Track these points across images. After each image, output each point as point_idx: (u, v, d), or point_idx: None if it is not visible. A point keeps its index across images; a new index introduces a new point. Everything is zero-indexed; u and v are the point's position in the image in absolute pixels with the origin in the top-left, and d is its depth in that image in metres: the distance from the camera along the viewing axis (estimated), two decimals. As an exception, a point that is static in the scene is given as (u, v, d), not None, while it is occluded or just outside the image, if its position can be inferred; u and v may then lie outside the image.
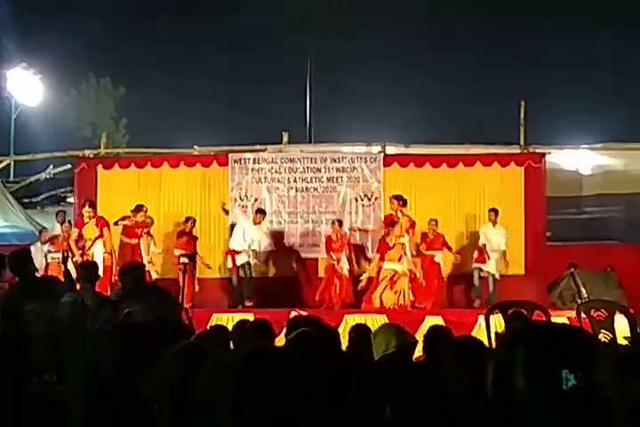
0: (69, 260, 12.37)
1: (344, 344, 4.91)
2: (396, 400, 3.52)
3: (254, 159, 14.72)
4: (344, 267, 13.39)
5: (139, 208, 13.31)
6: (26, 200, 18.58)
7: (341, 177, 14.58)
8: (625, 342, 8.03)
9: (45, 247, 14.22)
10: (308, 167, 14.63)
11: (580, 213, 16.98)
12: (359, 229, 14.38)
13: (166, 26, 41.65)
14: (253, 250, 13.58)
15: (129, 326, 4.34)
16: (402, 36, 37.62)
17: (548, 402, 1.86)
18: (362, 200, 14.49)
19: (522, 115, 15.42)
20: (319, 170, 14.62)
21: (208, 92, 39.52)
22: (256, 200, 14.47)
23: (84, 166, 15.01)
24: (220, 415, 2.41)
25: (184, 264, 11.68)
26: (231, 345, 5.15)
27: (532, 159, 14.57)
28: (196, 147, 16.32)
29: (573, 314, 9.60)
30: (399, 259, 12.74)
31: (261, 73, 39.63)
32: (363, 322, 8.22)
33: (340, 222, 13.69)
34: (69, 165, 17.03)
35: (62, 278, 9.36)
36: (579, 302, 12.04)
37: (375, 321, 10.51)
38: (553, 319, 8.71)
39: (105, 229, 13.03)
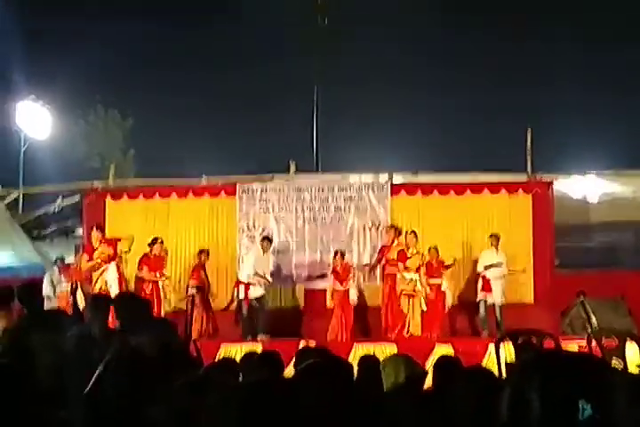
0: (78, 291, 12.37)
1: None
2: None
3: (262, 189, 14.75)
4: (353, 298, 13.38)
5: (154, 241, 13.34)
6: (35, 232, 18.64)
7: (349, 206, 14.58)
8: (637, 370, 7.96)
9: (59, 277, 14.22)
10: (315, 197, 14.64)
11: (588, 240, 16.94)
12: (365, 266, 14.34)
13: (173, 58, 42.02)
14: (265, 281, 13.54)
15: (135, 358, 4.32)
16: (410, 63, 37.83)
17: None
18: (369, 229, 14.48)
19: (528, 142, 15.45)
20: (326, 199, 14.62)
21: (215, 121, 39.75)
22: (264, 230, 14.46)
23: (93, 198, 15.08)
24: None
25: (192, 296, 11.67)
26: (240, 377, 5.12)
27: (539, 187, 14.57)
28: (203, 177, 16.39)
29: (584, 342, 9.53)
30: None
31: (267, 101, 39.83)
32: (371, 352, 8.20)
33: (342, 254, 13.64)
34: (78, 197, 17.11)
35: (71, 310, 9.39)
36: (589, 330, 11.97)
37: (384, 351, 10.46)
38: (564, 348, 8.65)
39: (117, 250, 13.02)
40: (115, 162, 20.82)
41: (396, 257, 13.25)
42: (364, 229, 14.48)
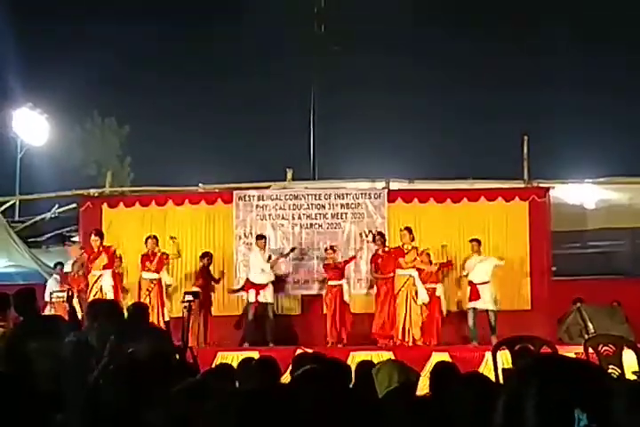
0: (74, 298, 12.32)
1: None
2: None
3: (259, 196, 14.76)
4: (345, 294, 13.41)
5: (147, 239, 13.51)
6: (31, 240, 18.59)
7: (346, 213, 14.60)
8: (634, 378, 7.97)
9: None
10: (312, 204, 14.66)
11: (584, 247, 16.95)
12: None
13: (171, 62, 42.08)
14: (284, 259, 13.94)
15: (133, 365, 4.32)
16: (407, 69, 37.87)
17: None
18: (366, 236, 14.48)
19: (525, 149, 15.46)
20: (323, 206, 14.64)
21: (212, 128, 39.80)
22: (260, 237, 14.44)
23: (89, 205, 15.06)
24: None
25: (188, 302, 11.63)
26: (237, 383, 5.12)
27: (536, 194, 14.58)
28: (200, 184, 16.38)
29: (581, 349, 9.52)
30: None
31: (264, 108, 39.88)
32: (368, 359, 8.18)
33: (334, 249, 13.69)
34: (74, 204, 17.08)
35: (67, 317, 9.33)
36: (586, 337, 11.97)
37: (381, 358, 10.44)
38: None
39: (113, 258, 13.03)
40: (111, 169, 20.84)
41: (410, 259, 13.26)
42: (361, 235, 14.50)
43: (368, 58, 36.93)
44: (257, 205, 14.66)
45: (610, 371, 8.42)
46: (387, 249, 13.51)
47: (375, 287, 13.74)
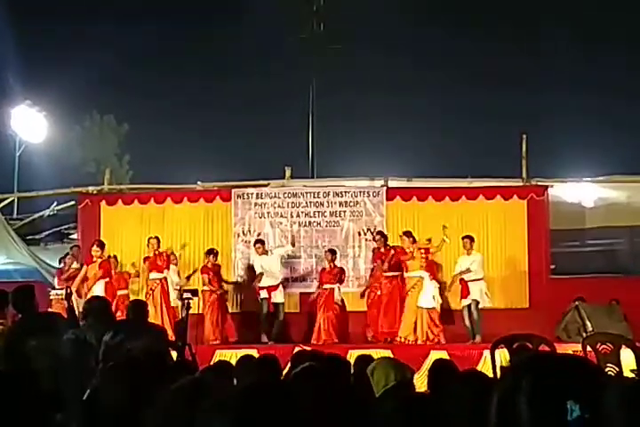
0: (73, 295, 12.32)
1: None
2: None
3: (257, 194, 14.75)
4: (338, 298, 13.40)
5: (149, 239, 13.50)
6: (29, 237, 18.58)
7: (344, 211, 14.59)
8: (632, 376, 7.98)
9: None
10: (310, 202, 14.65)
11: (583, 245, 16.95)
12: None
13: (171, 61, 42.08)
14: (288, 250, 13.96)
15: (131, 363, 4.32)
16: (406, 69, 37.87)
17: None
18: (365, 234, 14.47)
19: (523, 148, 15.45)
20: (322, 204, 14.63)
21: (211, 127, 39.79)
22: (259, 235, 14.44)
23: (88, 203, 15.05)
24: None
25: (187, 300, 11.62)
26: (235, 380, 5.11)
27: (534, 192, 14.58)
28: (199, 182, 16.37)
29: (579, 347, 9.54)
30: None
31: (263, 108, 39.87)
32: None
33: (333, 252, 13.68)
34: (73, 202, 17.07)
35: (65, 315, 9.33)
36: (584, 335, 11.97)
37: (379, 356, 10.43)
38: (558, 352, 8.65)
39: (109, 271, 13.06)
40: (110, 167, 20.78)
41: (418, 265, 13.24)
42: (360, 233, 14.50)
43: (368, 58, 36.95)
44: (255, 203, 14.66)
45: (608, 369, 8.44)
46: (388, 248, 13.46)
47: (376, 287, 13.68)
